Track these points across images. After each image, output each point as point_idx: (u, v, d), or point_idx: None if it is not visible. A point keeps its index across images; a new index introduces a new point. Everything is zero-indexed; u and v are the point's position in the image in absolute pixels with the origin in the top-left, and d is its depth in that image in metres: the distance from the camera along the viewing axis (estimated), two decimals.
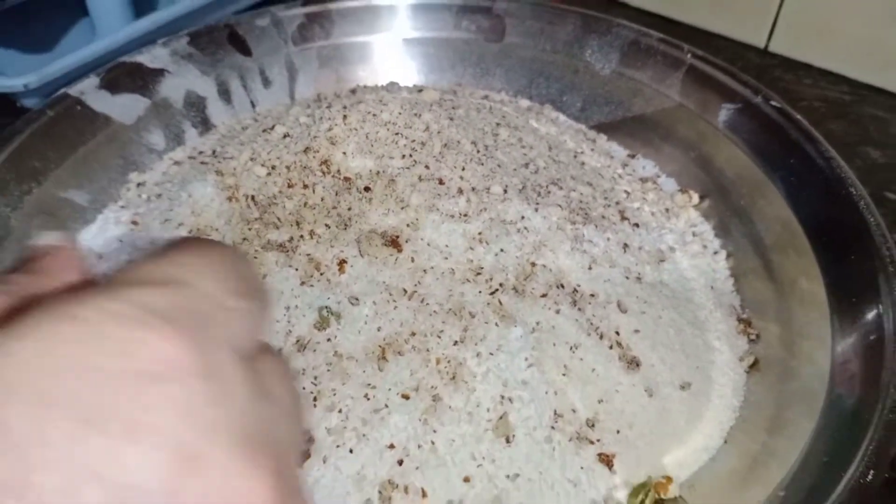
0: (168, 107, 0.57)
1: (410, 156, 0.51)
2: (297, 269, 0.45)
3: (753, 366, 0.45)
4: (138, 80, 0.56)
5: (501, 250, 0.46)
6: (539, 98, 0.63)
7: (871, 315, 0.41)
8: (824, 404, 0.39)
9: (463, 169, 0.50)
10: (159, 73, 0.57)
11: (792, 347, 0.44)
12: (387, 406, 0.39)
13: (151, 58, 0.57)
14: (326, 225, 0.47)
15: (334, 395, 0.39)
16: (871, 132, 0.67)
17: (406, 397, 0.39)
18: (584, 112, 0.61)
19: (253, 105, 0.62)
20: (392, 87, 0.62)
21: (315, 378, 0.40)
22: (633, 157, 0.58)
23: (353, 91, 0.62)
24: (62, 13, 0.74)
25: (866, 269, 0.42)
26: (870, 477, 0.33)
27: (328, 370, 0.40)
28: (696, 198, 0.54)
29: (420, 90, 0.60)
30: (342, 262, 0.45)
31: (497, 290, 0.44)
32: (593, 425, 0.40)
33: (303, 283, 0.44)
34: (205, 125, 0.59)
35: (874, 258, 0.42)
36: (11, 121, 0.63)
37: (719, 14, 0.77)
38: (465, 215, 0.47)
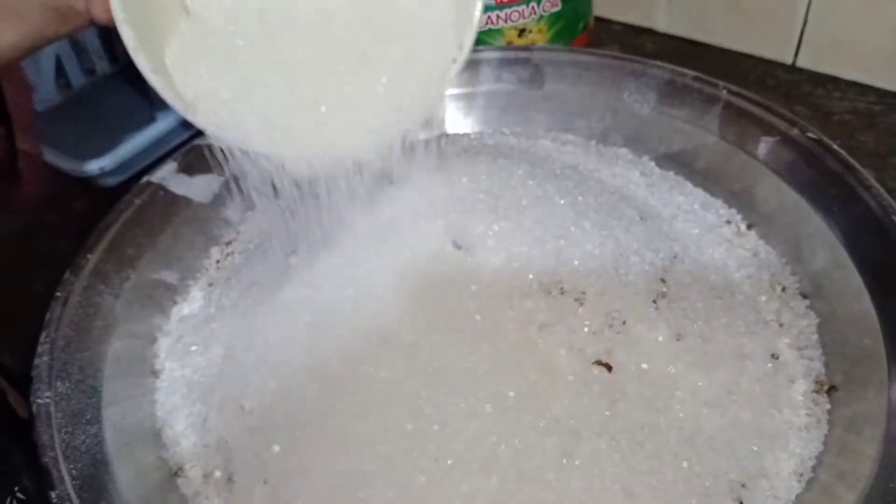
0: (241, 181, 0.61)
1: None
2: None
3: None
4: (212, 159, 0.60)
5: None
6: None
7: None
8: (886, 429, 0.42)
9: None
10: (230, 150, 0.61)
11: (850, 372, 0.47)
12: None
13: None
14: None
15: None
16: None
17: None
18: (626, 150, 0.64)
19: None
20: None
21: None
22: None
23: None
24: (120, 93, 0.78)
25: None
26: None
27: None
28: (743, 229, 0.57)
29: None
30: None
31: None
32: None
33: None
34: (276, 195, 0.63)
35: None
36: (85, 196, 0.68)
37: (745, 34, 0.79)
38: None
